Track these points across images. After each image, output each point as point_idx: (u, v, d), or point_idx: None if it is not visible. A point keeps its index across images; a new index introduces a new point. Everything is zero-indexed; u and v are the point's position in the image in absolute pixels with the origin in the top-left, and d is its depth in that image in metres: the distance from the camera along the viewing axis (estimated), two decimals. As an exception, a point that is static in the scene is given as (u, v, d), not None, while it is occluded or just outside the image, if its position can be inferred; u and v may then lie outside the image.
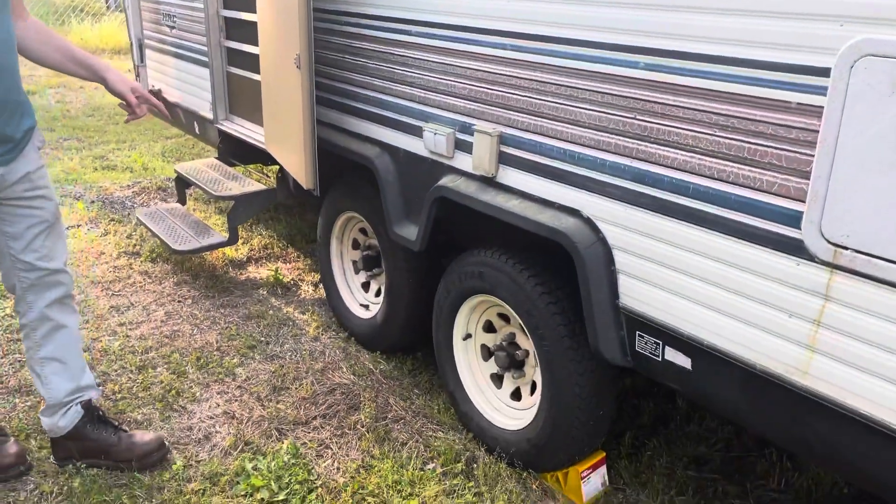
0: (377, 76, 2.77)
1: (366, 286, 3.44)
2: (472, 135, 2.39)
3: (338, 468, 2.55)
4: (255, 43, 3.76)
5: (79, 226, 4.51)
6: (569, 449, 2.38)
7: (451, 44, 2.39)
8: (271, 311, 3.59)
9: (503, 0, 2.16)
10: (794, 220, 1.57)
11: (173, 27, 4.51)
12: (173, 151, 6.39)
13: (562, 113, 2.05)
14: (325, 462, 2.57)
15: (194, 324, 3.45)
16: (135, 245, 4.26)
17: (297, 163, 3.04)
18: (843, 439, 1.59)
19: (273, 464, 2.51)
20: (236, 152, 4.28)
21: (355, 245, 3.44)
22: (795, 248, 1.58)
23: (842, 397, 1.56)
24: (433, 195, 2.56)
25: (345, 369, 3.12)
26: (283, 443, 2.65)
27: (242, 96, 4.08)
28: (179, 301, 3.66)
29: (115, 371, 3.05)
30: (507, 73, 2.20)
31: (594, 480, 2.48)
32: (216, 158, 4.27)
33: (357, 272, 3.46)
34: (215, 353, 3.22)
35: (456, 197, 2.46)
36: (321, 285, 3.88)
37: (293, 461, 2.54)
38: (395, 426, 2.77)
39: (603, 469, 2.50)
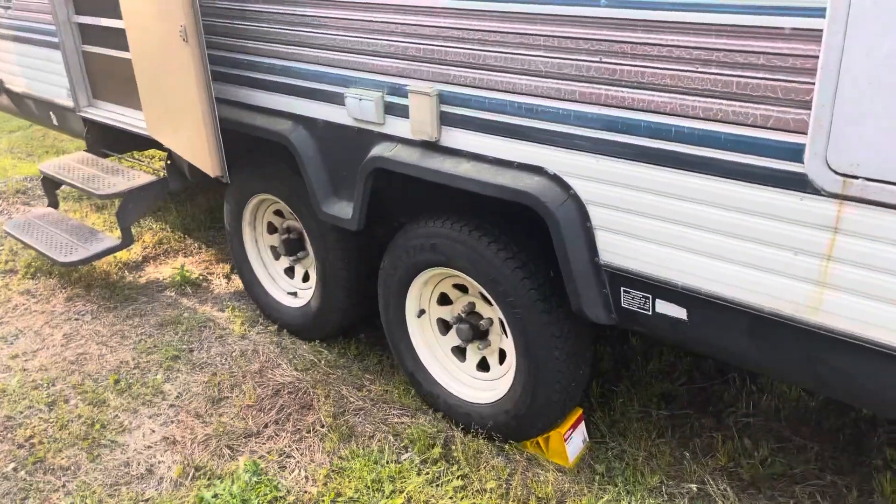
0: (280, 41, 2.47)
1: (290, 272, 3.17)
2: (405, 97, 2.16)
3: (307, 477, 2.34)
4: (117, 16, 3.32)
5: (-69, 249, 3.91)
6: (551, 414, 2.28)
7: (369, -3, 2.13)
8: (186, 314, 3.26)
9: (428, -58, 1.92)
10: (794, 153, 1.49)
11: (8, 7, 3.91)
12: (22, 146, 5.69)
13: (512, 63, 1.87)
14: (290, 474, 2.36)
15: (101, 342, 3.06)
16: (6, 262, 3.73)
17: (196, 149, 2.70)
18: (863, 371, 1.56)
19: (234, 487, 2.27)
20: (109, 142, 3.81)
21: (271, 229, 3.14)
22: (798, 183, 1.50)
23: (860, 330, 1.52)
24: (368, 167, 2.33)
25: (285, 366, 2.88)
26: (238, 461, 2.41)
27: (108, 78, 3.61)
28: (77, 319, 3.24)
29: (22, 413, 2.66)
30: (443, 25, 1.99)
31: (576, 439, 2.41)
32: (86, 151, 3.78)
33: (277, 258, 3.18)
34: (135, 371, 2.87)
35: (395, 167, 2.24)
36: (234, 276, 3.57)
37: (255, 479, 2.31)
38: (356, 419, 2.58)
39: (582, 426, 2.44)
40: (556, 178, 1.91)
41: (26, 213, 3.68)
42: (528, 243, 2.19)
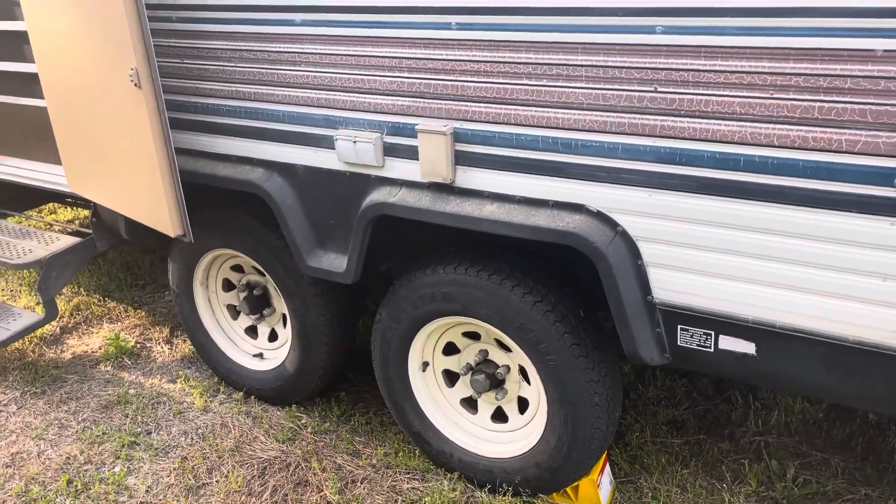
0: (250, 81, 2.21)
1: (251, 331, 2.86)
2: (411, 136, 1.97)
3: (327, 568, 2.07)
4: (19, 57, 2.91)
5: None
6: (589, 462, 2.15)
7: (366, 30, 1.93)
8: (132, 391, 2.86)
9: (441, -31, 1.76)
10: (885, 178, 1.44)
11: None
12: None
13: (547, 97, 1.73)
14: (307, 566, 2.08)
15: (37, 436, 2.62)
16: None
17: (149, 206, 2.36)
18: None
19: (246, 592, 1.98)
20: (9, 200, 3.33)
21: (227, 286, 2.83)
22: (888, 208, 1.46)
23: (956, 352, 1.49)
24: (368, 214, 2.11)
25: (263, 438, 2.58)
26: (241, 559, 2.10)
27: (8, 130, 3.16)
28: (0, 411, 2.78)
29: (-44, 538, 2.21)
30: (459, 58, 1.82)
31: (605, 483, 2.29)
32: (-18, 213, 3.29)
33: (236, 317, 2.86)
34: (87, 467, 2.48)
35: (403, 213, 2.04)
36: (177, 341, 3.20)
37: (268, 579, 2.02)
38: (363, 491, 2.33)
39: (608, 468, 2.32)
40: (600, 216, 1.78)
41: (-86, 292, 3.13)
42: (554, 284, 2.05)
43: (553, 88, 1.72)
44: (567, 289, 2.06)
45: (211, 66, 2.28)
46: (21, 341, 3.17)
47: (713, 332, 1.76)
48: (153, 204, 2.33)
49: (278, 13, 2.06)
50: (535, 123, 1.78)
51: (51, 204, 4.00)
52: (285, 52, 2.10)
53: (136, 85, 2.13)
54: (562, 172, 1.79)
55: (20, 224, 3.16)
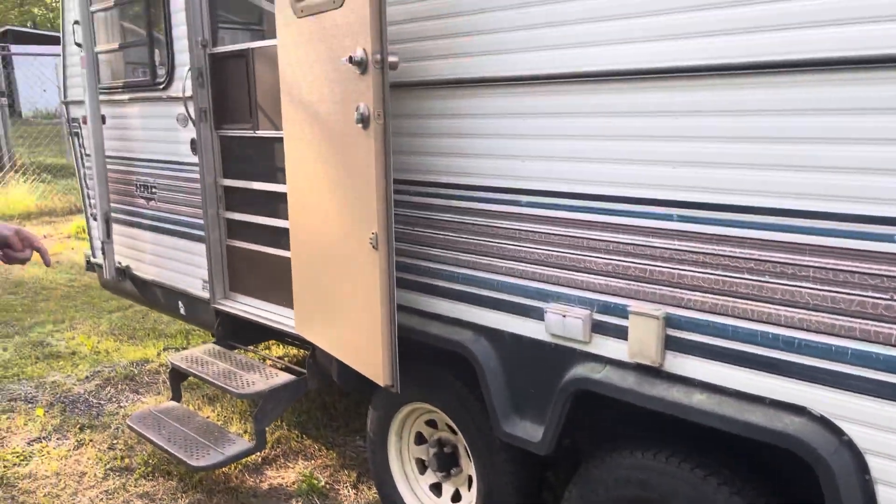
0: (471, 251, 2.40)
1: (435, 489, 2.91)
2: (621, 317, 2.03)
3: None
4: (271, 214, 3.37)
5: (43, 439, 3.74)
6: None
7: (586, 215, 2.07)
8: (318, 531, 2.97)
9: (667, 167, 1.87)
10: None
11: (151, 199, 4.03)
12: (123, 328, 5.69)
13: (769, 293, 1.73)
14: None
15: (229, 561, 2.78)
16: (121, 458, 3.54)
17: (365, 355, 2.56)
18: None
19: None
20: (238, 334, 3.74)
21: (419, 440, 2.93)
22: None
23: None
24: (569, 388, 2.15)
25: None
26: None
27: (248, 272, 3.60)
28: (200, 530, 2.98)
29: None
30: (677, 248, 1.89)
31: None
32: (215, 343, 3.70)
33: (423, 472, 2.93)
34: None
35: (606, 391, 2.06)
36: (362, 486, 3.30)
37: None
38: None
39: None
40: (823, 421, 1.69)
41: (150, 408, 3.53)
42: (764, 485, 1.93)
43: (776, 285, 1.72)
44: (776, 489, 1.93)
45: (437, 235, 2.51)
46: (228, 466, 3.43)
47: (959, 571, 1.56)
48: (369, 353, 2.53)
49: (505, 194, 2.27)
50: (753, 318, 1.77)
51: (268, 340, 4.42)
52: (507, 228, 2.28)
53: (373, 247, 2.40)
54: (782, 370, 1.75)
55: (245, 356, 3.52)
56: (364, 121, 2.32)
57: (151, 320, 5.83)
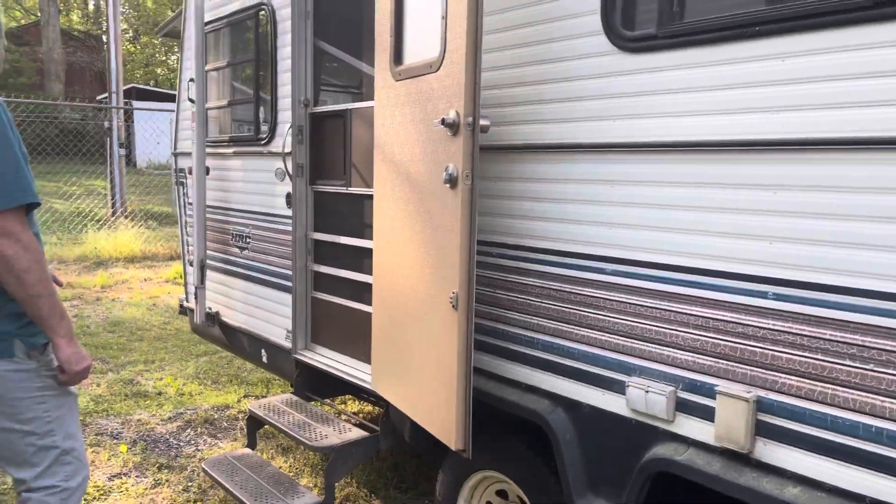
0: (552, 317, 2.36)
1: (503, 562, 2.80)
2: (708, 396, 1.92)
3: None
4: (357, 268, 3.42)
5: (123, 475, 3.85)
6: None
7: (673, 287, 2.00)
8: None
9: (762, 242, 1.79)
10: None
11: (245, 248, 4.18)
12: (208, 372, 5.84)
13: (876, 382, 1.61)
14: None
15: None
16: (194, 501, 3.59)
17: (437, 417, 2.53)
18: None
19: None
20: (316, 386, 3.77)
21: (488, 509, 2.84)
22: None
23: None
24: (650, 468, 2.04)
25: None
26: None
27: (330, 324, 3.65)
28: (262, 582, 2.95)
29: None
30: (772, 327, 1.79)
31: None
32: (292, 393, 3.74)
33: (490, 544, 2.83)
34: None
35: (688, 474, 1.94)
36: (428, 553, 3.21)
37: None
38: None
39: None
40: (935, 529, 1.54)
41: (225, 454, 3.58)
42: None
43: (881, 374, 1.60)
44: None
45: (517, 298, 2.48)
46: (294, 518, 3.41)
47: None
48: (442, 415, 2.49)
49: (589, 261, 2.22)
50: (855, 408, 1.64)
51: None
52: (590, 296, 2.22)
53: (453, 307, 2.39)
54: (888, 469, 1.60)
55: (321, 409, 3.54)
56: (452, 181, 2.35)
57: (235, 367, 5.97)
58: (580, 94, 2.21)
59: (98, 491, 3.65)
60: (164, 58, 39.39)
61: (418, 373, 2.66)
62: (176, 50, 40.08)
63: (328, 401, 3.83)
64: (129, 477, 3.83)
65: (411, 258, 2.69)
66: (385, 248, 2.92)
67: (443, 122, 2.34)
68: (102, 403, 5.00)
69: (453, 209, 2.37)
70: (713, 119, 1.87)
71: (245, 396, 5.20)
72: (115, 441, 4.30)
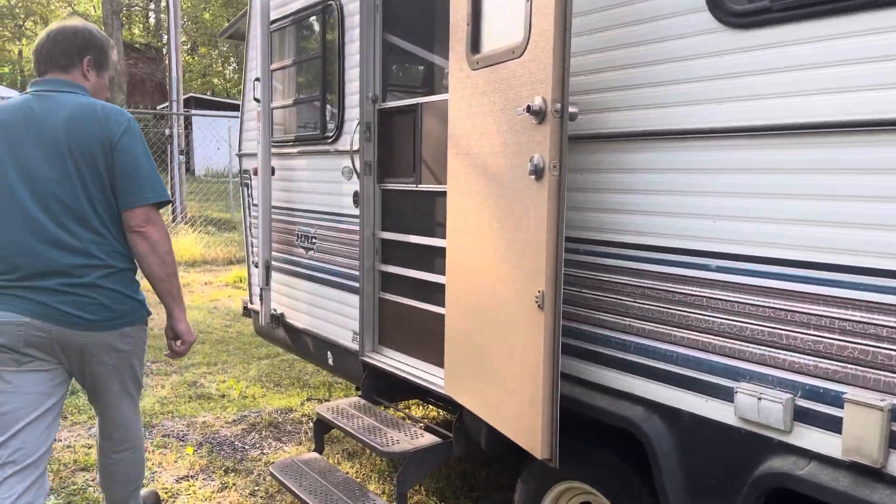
0: (647, 318, 2.19)
1: (587, 579, 2.63)
2: (833, 405, 1.74)
3: None
4: (426, 268, 3.30)
5: (190, 478, 3.80)
6: None
7: (792, 284, 1.81)
8: None
9: (900, 231, 1.60)
10: None
11: (310, 248, 4.11)
12: (270, 375, 5.81)
13: None
14: None
15: None
16: (262, 505, 3.52)
17: (520, 424, 2.38)
18: None
19: None
20: (383, 389, 3.67)
21: (571, 522, 2.68)
22: None
23: None
24: (764, 483, 1.86)
25: None
26: None
27: (398, 326, 3.55)
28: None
29: None
30: (912, 327, 1.60)
31: None
32: (360, 397, 3.65)
33: (573, 559, 2.67)
34: None
35: (811, 490, 1.75)
36: (503, 566, 3.06)
37: None
38: None
39: None
40: None
41: (293, 458, 3.50)
42: None
43: None
44: None
45: (607, 298, 2.32)
46: (363, 526, 3.30)
47: None
48: (526, 422, 2.34)
49: (691, 257, 2.06)
50: None
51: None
52: (692, 295, 2.05)
53: (539, 307, 2.24)
54: None
55: (389, 413, 3.43)
56: (538, 172, 2.21)
57: (297, 370, 5.93)
58: (680, 76, 2.04)
59: (166, 493, 3.61)
60: (220, 68, 40.28)
61: (498, 377, 2.52)
62: (233, 60, 41.01)
63: (396, 404, 3.72)
64: (197, 479, 3.78)
65: (490, 256, 2.55)
66: (459, 247, 2.79)
67: (528, 109, 2.20)
68: (168, 405, 4.99)
69: (539, 202, 2.23)
70: (839, 98, 1.69)
71: (308, 399, 5.14)
72: (181, 443, 4.27)
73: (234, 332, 7.23)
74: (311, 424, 4.60)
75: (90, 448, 4.13)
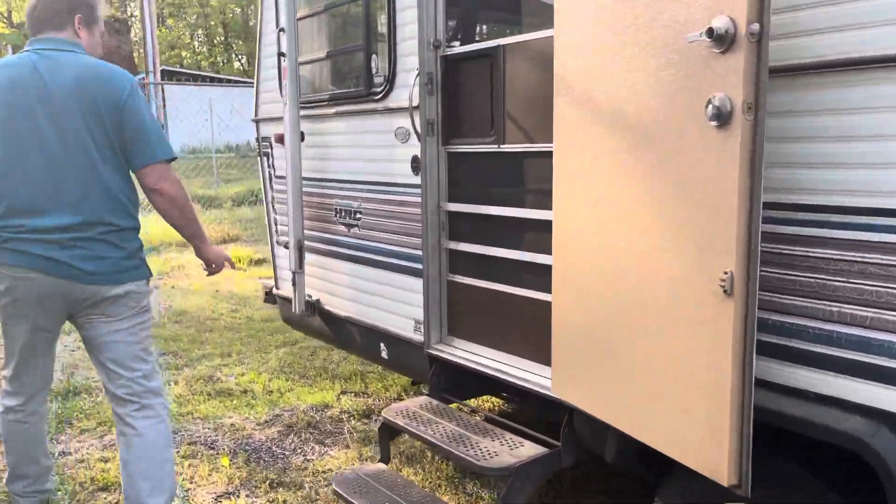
0: (869, 304, 1.69)
1: None
2: None
3: None
4: (514, 245, 2.78)
5: (231, 495, 3.28)
6: None
7: None
8: None
9: None
10: None
11: (353, 225, 3.56)
12: (293, 365, 5.28)
13: None
14: None
15: None
16: (323, 527, 3.02)
17: (692, 441, 1.89)
18: None
19: None
20: (452, 385, 3.16)
21: (728, 549, 2.20)
22: None
23: None
24: None
25: None
26: None
27: (472, 313, 3.03)
28: None
29: None
30: None
31: None
32: (428, 396, 3.14)
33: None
34: None
35: None
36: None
37: None
38: None
39: None
40: None
41: (357, 469, 2.99)
42: None
43: None
44: None
45: (803, 278, 1.82)
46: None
47: None
48: (702, 438, 1.85)
49: (946, 222, 1.55)
50: None
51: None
52: (948, 273, 1.56)
53: (725, 293, 1.73)
54: None
55: (472, 418, 2.92)
56: (722, 117, 1.70)
57: (321, 358, 5.40)
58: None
59: (207, 517, 3.10)
60: (189, 40, 39.06)
61: (649, 381, 2.02)
62: (200, 32, 39.69)
63: (466, 403, 3.23)
64: (239, 497, 3.26)
65: (633, 230, 2.03)
66: (576, 219, 2.27)
67: (709, 33, 1.67)
68: (186, 405, 4.45)
69: (723, 156, 1.72)
70: None
71: (343, 393, 4.62)
72: (212, 451, 3.74)
73: (243, 317, 6.67)
74: (353, 423, 4.11)
75: (107, 462, 3.60)
